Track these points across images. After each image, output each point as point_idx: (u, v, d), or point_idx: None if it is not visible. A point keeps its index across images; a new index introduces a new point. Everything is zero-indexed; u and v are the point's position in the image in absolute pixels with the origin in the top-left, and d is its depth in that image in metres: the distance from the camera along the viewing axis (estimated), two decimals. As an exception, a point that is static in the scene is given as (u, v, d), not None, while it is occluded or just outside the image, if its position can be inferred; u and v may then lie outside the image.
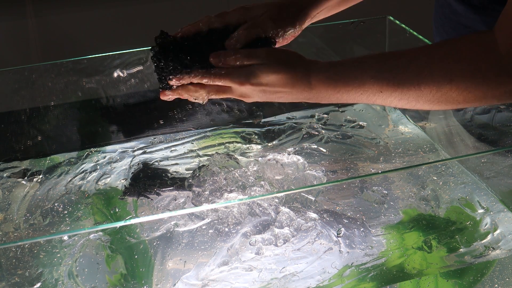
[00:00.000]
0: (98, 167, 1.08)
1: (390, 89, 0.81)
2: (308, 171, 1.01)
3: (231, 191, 0.95)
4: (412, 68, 0.80)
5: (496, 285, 0.85)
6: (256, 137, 1.15)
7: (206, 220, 0.86)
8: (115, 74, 1.20)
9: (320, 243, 0.84)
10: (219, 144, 1.13)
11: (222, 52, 0.87)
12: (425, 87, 0.80)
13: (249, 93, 0.87)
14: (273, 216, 0.88)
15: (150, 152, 1.12)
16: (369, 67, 0.83)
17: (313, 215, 0.88)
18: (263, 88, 0.86)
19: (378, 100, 0.83)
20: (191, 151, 1.12)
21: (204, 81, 0.88)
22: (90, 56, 1.18)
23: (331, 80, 0.84)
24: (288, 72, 0.84)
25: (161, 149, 1.13)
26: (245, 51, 0.87)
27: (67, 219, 0.96)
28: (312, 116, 1.20)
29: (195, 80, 0.88)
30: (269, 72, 0.84)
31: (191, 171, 1.03)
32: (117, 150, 1.13)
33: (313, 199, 0.91)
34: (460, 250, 0.85)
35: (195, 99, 0.90)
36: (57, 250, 0.81)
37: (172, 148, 1.13)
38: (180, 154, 1.11)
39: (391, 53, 0.85)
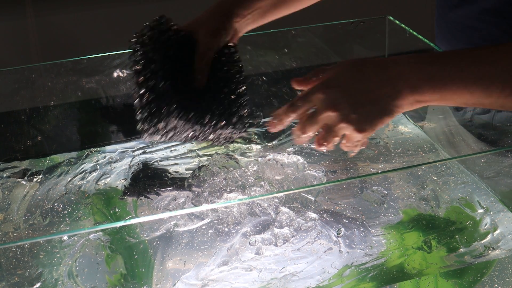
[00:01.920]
0: (98, 167, 1.08)
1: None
2: (308, 171, 1.01)
3: (231, 191, 0.95)
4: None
5: (496, 285, 0.85)
6: (256, 137, 1.15)
7: (206, 220, 0.86)
8: (115, 74, 1.20)
9: (320, 243, 0.84)
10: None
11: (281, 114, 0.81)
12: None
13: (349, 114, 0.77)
14: (273, 216, 0.88)
15: (150, 152, 1.12)
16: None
17: (313, 215, 0.88)
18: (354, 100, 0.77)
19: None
20: (191, 151, 1.12)
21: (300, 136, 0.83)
22: (90, 56, 1.18)
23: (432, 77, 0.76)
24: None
25: (161, 149, 1.13)
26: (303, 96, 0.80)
27: (67, 219, 0.96)
28: (312, 116, 1.20)
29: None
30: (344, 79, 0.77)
31: (191, 171, 1.03)
32: (117, 150, 1.13)
33: (313, 199, 0.91)
34: (460, 250, 0.84)
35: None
36: (57, 250, 0.81)
37: (172, 148, 1.13)
38: (180, 154, 1.11)
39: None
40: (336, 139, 0.80)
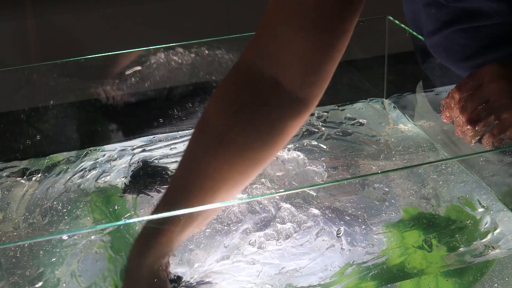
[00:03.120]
0: (98, 165, 1.08)
1: None
2: (309, 167, 1.01)
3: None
4: None
5: (496, 285, 0.84)
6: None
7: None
8: (115, 74, 1.20)
9: (323, 240, 0.84)
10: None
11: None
12: None
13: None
14: (274, 213, 0.88)
15: (150, 150, 1.12)
16: None
17: (315, 211, 0.88)
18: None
19: None
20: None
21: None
22: (90, 56, 1.18)
23: None
24: None
25: (160, 147, 1.13)
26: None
27: (66, 217, 0.95)
28: (312, 114, 1.20)
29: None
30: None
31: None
32: (116, 149, 1.13)
33: (315, 194, 0.91)
34: (460, 249, 0.84)
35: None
36: (57, 249, 0.81)
37: (172, 146, 1.13)
38: (180, 152, 1.11)
39: None
40: (491, 119, 0.75)
